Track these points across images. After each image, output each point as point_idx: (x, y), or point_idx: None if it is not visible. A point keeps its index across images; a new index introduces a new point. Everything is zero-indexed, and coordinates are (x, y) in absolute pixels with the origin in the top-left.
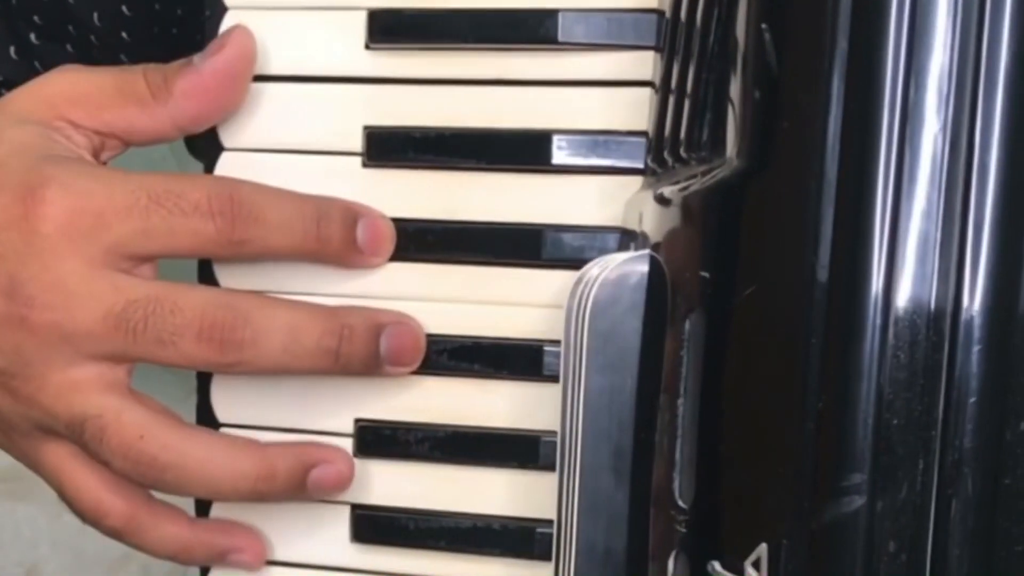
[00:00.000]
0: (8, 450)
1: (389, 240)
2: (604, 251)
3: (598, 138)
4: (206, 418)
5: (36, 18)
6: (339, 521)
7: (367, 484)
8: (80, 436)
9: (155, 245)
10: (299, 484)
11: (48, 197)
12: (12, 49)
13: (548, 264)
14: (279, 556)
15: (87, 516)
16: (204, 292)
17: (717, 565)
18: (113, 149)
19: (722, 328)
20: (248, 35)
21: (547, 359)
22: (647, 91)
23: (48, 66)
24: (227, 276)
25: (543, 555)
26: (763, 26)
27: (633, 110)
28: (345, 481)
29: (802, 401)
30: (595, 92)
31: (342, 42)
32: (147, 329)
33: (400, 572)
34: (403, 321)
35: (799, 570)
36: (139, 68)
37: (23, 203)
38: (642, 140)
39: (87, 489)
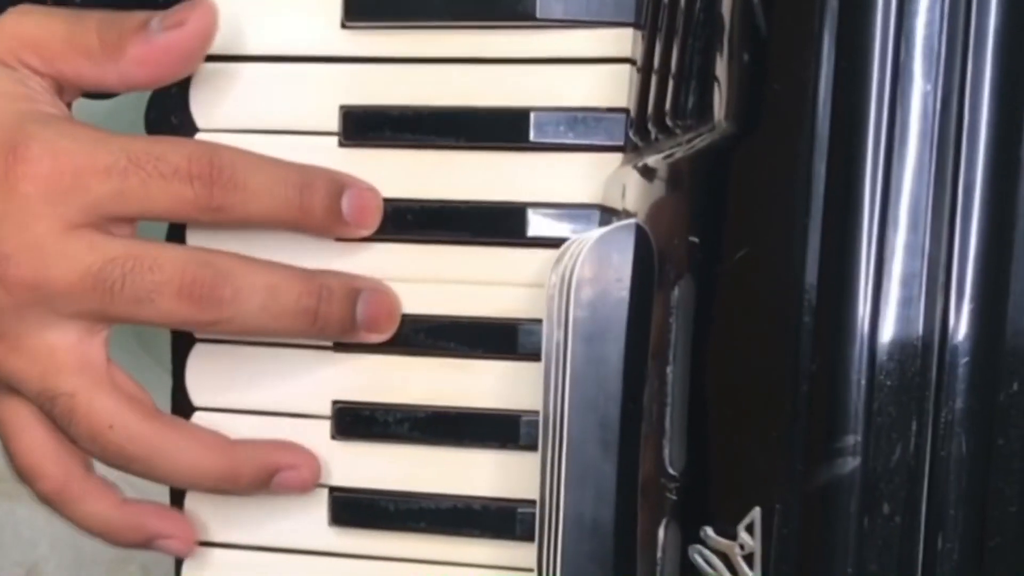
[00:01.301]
0: None
1: (376, 211)
2: (585, 228)
3: (577, 115)
4: (181, 401)
5: None
6: (317, 505)
7: (346, 467)
8: (49, 410)
9: (132, 207)
10: (262, 485)
11: (29, 156)
12: None
13: (526, 243)
14: (256, 540)
15: (22, 475)
16: (183, 250)
17: (710, 530)
18: (70, 95)
19: (713, 292)
20: (211, 14)
21: (522, 338)
22: (626, 68)
23: None
24: None
25: (524, 536)
26: None
27: (612, 87)
28: (308, 487)
29: (795, 363)
30: (574, 69)
31: (318, 21)
32: (125, 287)
33: (380, 555)
34: (379, 288)
35: (793, 533)
36: (92, 18)
37: (4, 160)
38: (622, 117)
39: (28, 451)
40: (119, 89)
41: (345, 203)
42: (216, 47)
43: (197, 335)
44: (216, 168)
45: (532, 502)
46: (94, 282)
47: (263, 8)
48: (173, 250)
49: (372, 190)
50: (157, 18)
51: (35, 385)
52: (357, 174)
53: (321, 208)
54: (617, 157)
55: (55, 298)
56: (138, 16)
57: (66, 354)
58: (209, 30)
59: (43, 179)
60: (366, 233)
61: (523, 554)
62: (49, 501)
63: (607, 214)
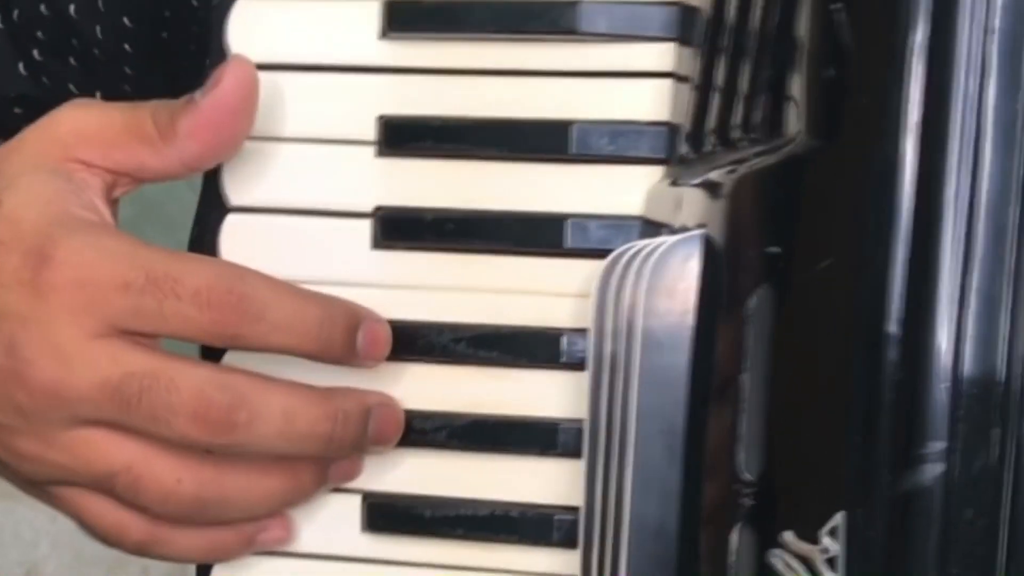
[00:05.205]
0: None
1: (386, 345)
2: (625, 240)
3: (619, 128)
4: None
5: (39, 33)
6: (351, 510)
7: (381, 472)
8: (110, 489)
9: (147, 326)
10: (321, 484)
11: (54, 265)
12: (21, 65)
13: (567, 253)
14: (288, 547)
15: (110, 537)
16: (203, 370)
17: (790, 535)
18: (126, 186)
19: (795, 301)
20: (246, 66)
21: (565, 347)
22: (668, 82)
23: (55, 81)
24: None
25: (561, 542)
26: (835, 6)
27: (654, 101)
28: (358, 471)
29: (881, 371)
30: (616, 83)
31: (357, 32)
32: (141, 403)
33: (415, 561)
34: (387, 403)
35: (877, 537)
36: (148, 106)
37: (32, 268)
38: (663, 130)
39: (106, 513)
40: (181, 173)
41: (360, 337)
42: (253, 56)
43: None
44: (235, 297)
45: (568, 508)
46: (111, 394)
47: (300, 18)
48: (193, 369)
49: (382, 322)
50: (200, 90)
51: (84, 474)
52: (395, 184)
53: (339, 343)
54: (658, 170)
55: (74, 403)
56: (186, 96)
57: (101, 438)
58: (247, 81)
59: (66, 289)
60: (373, 365)
61: (560, 560)
62: (146, 549)
63: (649, 227)
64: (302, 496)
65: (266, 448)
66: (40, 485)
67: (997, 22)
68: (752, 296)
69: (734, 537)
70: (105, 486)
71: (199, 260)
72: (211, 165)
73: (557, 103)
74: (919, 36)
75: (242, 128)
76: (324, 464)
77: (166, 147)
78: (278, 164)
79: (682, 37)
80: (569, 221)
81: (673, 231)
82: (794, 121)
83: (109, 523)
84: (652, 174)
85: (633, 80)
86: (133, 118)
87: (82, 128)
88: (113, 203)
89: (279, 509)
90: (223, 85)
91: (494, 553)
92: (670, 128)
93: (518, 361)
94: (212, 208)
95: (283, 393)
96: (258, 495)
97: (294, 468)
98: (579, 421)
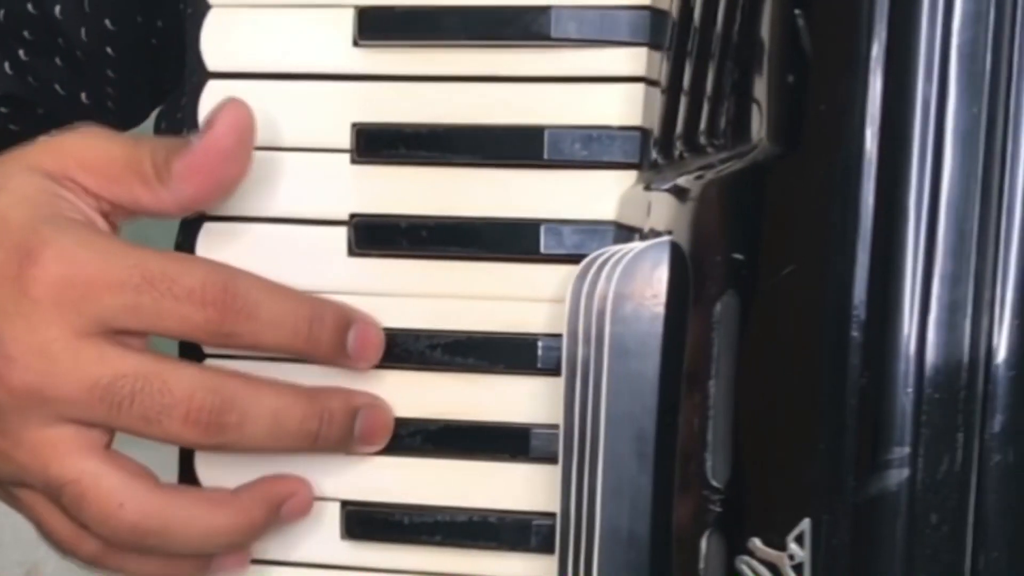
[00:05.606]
0: None
1: (378, 348)
2: (599, 245)
3: (591, 133)
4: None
5: (26, 33)
6: (330, 518)
7: (358, 480)
8: (58, 499)
9: (141, 323)
10: (272, 523)
11: (42, 261)
12: (7, 65)
13: (542, 259)
14: (268, 554)
15: (64, 547)
16: (194, 372)
17: (758, 542)
18: (121, 216)
19: (759, 307)
20: (240, 109)
21: (542, 353)
22: (640, 87)
23: (40, 81)
24: None
25: (540, 548)
26: (796, 12)
27: (626, 105)
28: (309, 506)
29: (844, 377)
30: (588, 88)
31: (330, 39)
32: (133, 405)
33: (394, 568)
34: (376, 404)
35: (842, 544)
36: (148, 144)
37: (18, 263)
38: (636, 135)
39: (60, 523)
40: (176, 212)
41: (350, 338)
42: (226, 65)
43: (206, 351)
44: (230, 296)
45: (547, 514)
46: (102, 395)
47: (273, 26)
48: (183, 371)
49: (375, 326)
50: (197, 132)
51: (40, 477)
52: (370, 191)
53: (327, 342)
54: (630, 175)
55: (58, 403)
56: (182, 137)
57: (67, 444)
58: (241, 124)
59: (54, 285)
60: (365, 368)
61: (538, 565)
62: (98, 562)
63: (622, 231)
64: (252, 535)
65: (254, 447)
66: (4, 484)
67: (956, 29)
68: (718, 302)
69: (703, 543)
70: (55, 496)
71: (192, 260)
72: (208, 207)
73: (530, 109)
74: (879, 43)
75: (236, 172)
76: (273, 503)
77: (161, 187)
78: (253, 172)
79: (653, 41)
80: (543, 226)
81: (643, 236)
82: (759, 126)
83: (63, 534)
84: (624, 179)
85: (605, 85)
86: (134, 155)
87: (85, 158)
88: (112, 227)
89: (226, 548)
90: (215, 130)
91: (472, 559)
92: (642, 132)
93: (495, 367)
94: (191, 216)
95: (272, 394)
96: (199, 532)
97: (244, 506)
98: (557, 426)
